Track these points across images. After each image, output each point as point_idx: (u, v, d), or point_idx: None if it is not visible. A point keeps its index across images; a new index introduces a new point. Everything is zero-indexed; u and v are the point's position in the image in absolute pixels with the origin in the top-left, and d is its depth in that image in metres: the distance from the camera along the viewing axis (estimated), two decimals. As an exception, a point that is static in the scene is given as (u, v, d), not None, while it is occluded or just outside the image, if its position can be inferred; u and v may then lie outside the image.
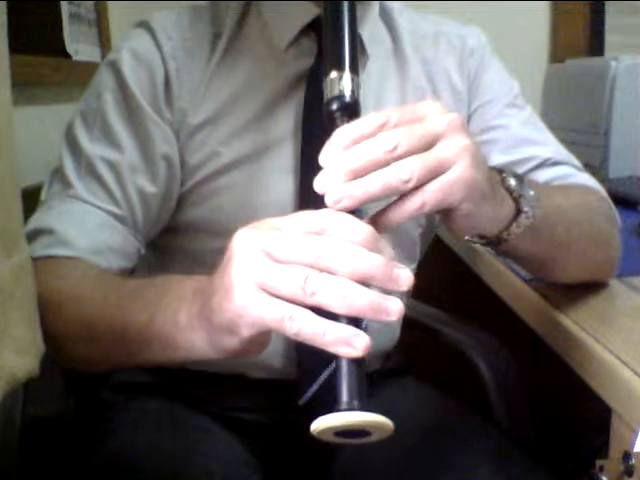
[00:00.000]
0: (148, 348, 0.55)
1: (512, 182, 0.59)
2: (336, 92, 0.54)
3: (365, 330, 0.45)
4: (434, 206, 0.48)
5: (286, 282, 0.43)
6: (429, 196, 0.47)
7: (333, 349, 0.43)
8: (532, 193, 0.59)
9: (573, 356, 0.66)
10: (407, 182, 0.46)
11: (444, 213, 0.51)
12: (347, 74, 0.54)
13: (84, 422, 0.80)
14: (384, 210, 0.49)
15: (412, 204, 0.47)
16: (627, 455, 0.49)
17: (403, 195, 0.48)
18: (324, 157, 0.49)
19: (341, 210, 0.47)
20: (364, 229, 0.45)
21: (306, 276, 0.43)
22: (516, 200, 0.58)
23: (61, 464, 0.71)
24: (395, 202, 0.48)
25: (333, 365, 0.45)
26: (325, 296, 0.43)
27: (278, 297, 0.44)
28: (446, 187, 0.48)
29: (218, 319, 0.47)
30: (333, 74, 0.55)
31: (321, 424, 0.42)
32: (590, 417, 0.68)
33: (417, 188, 0.47)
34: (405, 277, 0.44)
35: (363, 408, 0.43)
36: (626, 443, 0.52)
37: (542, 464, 0.69)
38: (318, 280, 0.43)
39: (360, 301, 0.43)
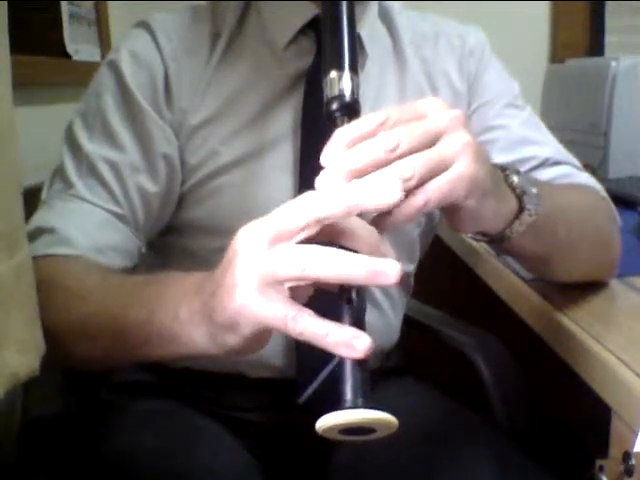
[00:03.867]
0: (149, 344, 0.55)
1: (515, 179, 0.58)
2: (336, 92, 0.54)
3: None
4: (437, 203, 0.48)
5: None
6: (432, 194, 0.47)
7: (335, 351, 0.43)
8: (535, 191, 0.59)
9: (573, 356, 0.66)
10: (409, 180, 0.46)
11: (447, 210, 0.51)
12: (347, 74, 0.54)
13: (84, 422, 0.80)
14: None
15: (415, 202, 0.47)
16: (627, 455, 0.49)
17: (406, 193, 0.48)
18: (325, 157, 0.49)
19: None
20: (367, 230, 0.45)
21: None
22: (519, 197, 0.58)
23: (61, 464, 0.71)
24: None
25: (333, 364, 0.45)
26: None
27: (280, 279, 0.44)
28: (449, 184, 0.47)
29: (219, 317, 0.47)
30: (333, 74, 0.55)
31: (326, 422, 0.42)
32: (590, 417, 0.68)
33: (419, 186, 0.47)
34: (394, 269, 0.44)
35: (367, 405, 0.43)
36: (626, 443, 0.52)
37: (542, 464, 0.70)
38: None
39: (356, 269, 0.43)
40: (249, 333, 0.46)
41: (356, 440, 0.45)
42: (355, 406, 0.43)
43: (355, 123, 0.49)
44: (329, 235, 0.46)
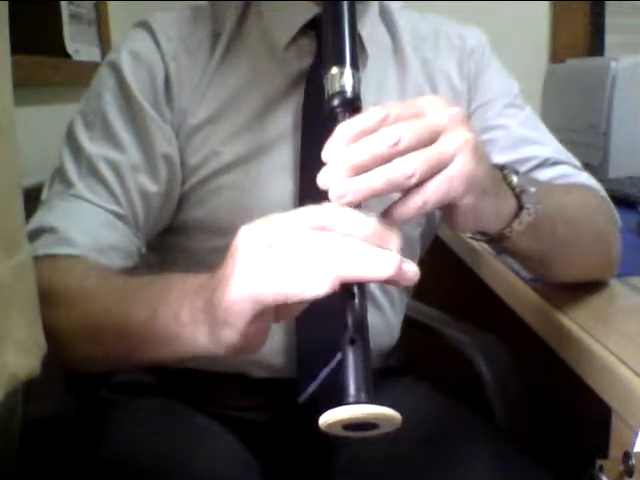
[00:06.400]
0: (150, 344, 0.55)
1: (514, 178, 0.59)
2: (337, 88, 0.54)
3: (366, 341, 0.45)
4: (436, 203, 0.48)
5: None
6: (430, 194, 0.47)
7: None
8: (533, 190, 0.59)
9: (573, 356, 0.66)
10: (410, 177, 0.46)
11: (446, 209, 0.51)
12: (348, 70, 0.54)
13: (85, 422, 0.80)
14: (388, 209, 0.49)
15: (414, 203, 0.47)
16: (627, 455, 0.49)
17: (406, 193, 0.48)
18: (326, 153, 0.49)
19: (345, 205, 0.47)
20: (370, 223, 0.45)
21: None
22: (518, 196, 0.58)
23: (62, 464, 0.71)
24: (398, 201, 0.48)
25: (333, 363, 0.45)
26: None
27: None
28: (446, 183, 0.47)
29: (219, 312, 0.47)
30: (334, 70, 0.55)
31: (329, 417, 0.42)
32: (590, 417, 0.68)
33: (420, 184, 0.47)
34: (412, 272, 0.44)
35: (371, 401, 0.43)
36: (626, 443, 0.52)
37: (542, 464, 0.70)
38: None
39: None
40: (245, 327, 0.46)
41: (359, 436, 0.45)
42: (358, 401, 0.43)
43: (356, 118, 0.49)
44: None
